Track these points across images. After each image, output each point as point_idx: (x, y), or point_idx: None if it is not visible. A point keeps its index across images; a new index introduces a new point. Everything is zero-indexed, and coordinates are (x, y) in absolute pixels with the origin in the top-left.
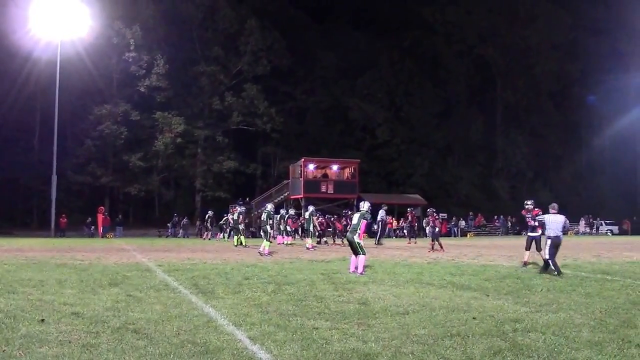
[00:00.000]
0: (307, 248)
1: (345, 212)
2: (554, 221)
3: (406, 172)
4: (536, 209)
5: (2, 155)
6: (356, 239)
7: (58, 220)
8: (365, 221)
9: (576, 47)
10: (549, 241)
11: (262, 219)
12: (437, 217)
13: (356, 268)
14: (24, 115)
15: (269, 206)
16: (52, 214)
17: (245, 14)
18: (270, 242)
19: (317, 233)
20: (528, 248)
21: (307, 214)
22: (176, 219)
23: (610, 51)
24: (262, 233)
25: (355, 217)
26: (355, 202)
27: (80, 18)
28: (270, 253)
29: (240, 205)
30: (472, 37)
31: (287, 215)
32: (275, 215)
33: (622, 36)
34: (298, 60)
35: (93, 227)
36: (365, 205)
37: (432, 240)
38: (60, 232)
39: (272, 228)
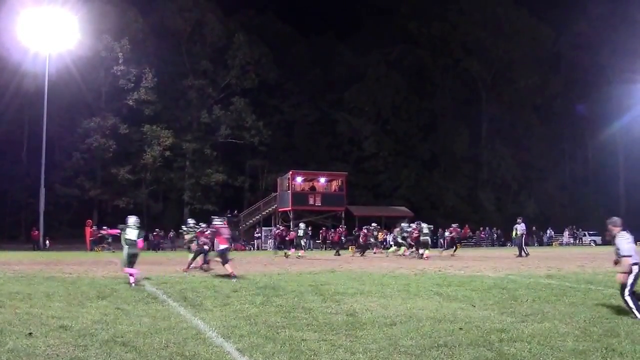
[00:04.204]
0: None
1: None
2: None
3: (393, 185)
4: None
5: None
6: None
7: (30, 233)
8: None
9: (559, 60)
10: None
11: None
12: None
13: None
14: (12, 128)
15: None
16: (41, 227)
17: (233, 28)
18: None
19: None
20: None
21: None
22: (161, 232)
23: (592, 64)
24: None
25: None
26: (342, 215)
27: (69, 31)
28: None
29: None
30: (458, 51)
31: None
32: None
33: (603, 50)
34: (285, 74)
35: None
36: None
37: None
38: (34, 244)
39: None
